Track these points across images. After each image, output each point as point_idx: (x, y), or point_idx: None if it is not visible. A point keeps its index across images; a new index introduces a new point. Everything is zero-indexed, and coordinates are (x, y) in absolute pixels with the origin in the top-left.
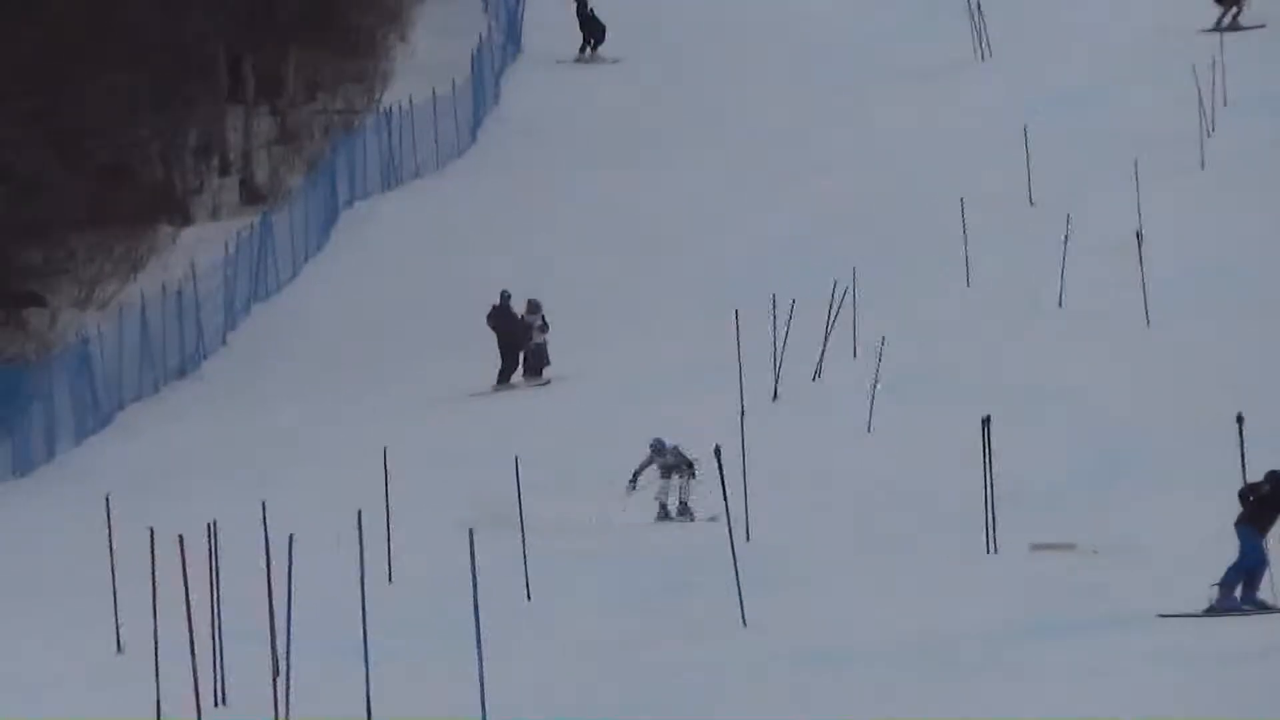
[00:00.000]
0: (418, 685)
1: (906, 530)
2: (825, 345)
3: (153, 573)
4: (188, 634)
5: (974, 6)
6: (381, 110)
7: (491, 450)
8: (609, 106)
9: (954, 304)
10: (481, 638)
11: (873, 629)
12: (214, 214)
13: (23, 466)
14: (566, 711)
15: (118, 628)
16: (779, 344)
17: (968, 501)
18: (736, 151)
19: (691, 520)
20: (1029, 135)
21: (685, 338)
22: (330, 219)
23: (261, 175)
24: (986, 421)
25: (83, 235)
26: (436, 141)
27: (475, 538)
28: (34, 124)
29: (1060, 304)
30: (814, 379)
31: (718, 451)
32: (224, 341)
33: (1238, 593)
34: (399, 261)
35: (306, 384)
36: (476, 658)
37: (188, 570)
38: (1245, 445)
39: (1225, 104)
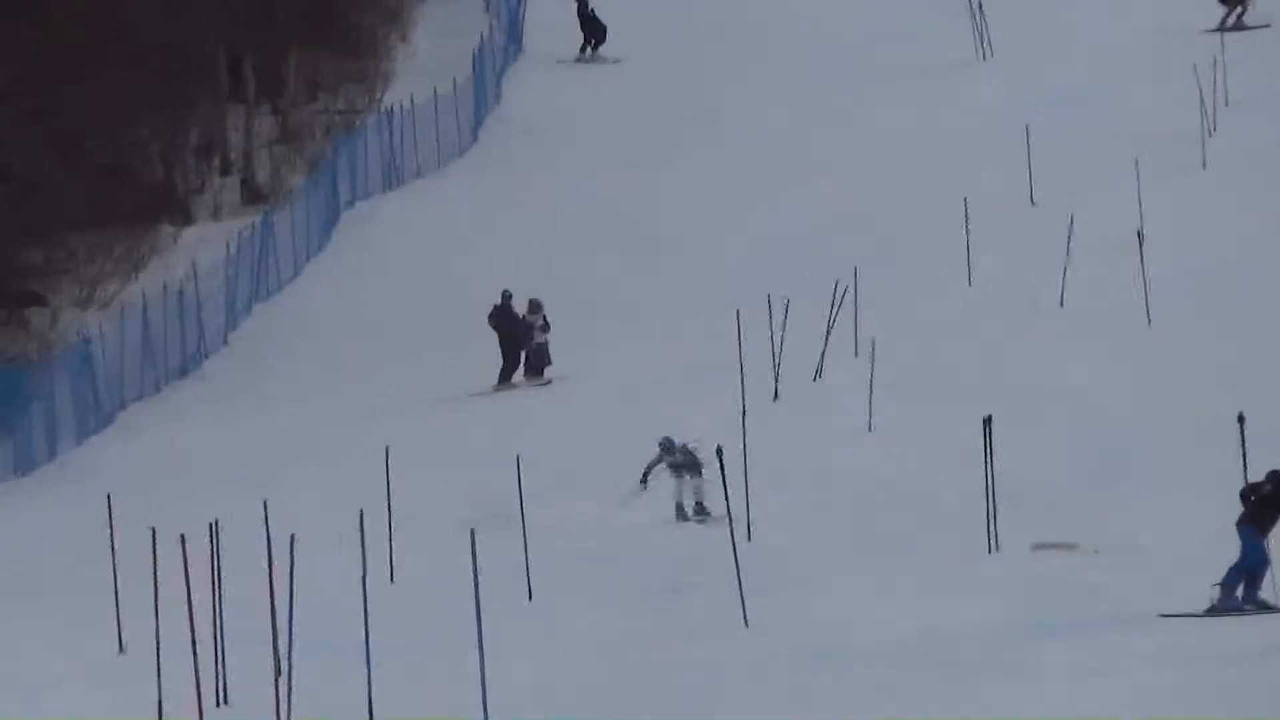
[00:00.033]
0: (419, 685)
1: (907, 530)
2: (826, 345)
3: (154, 572)
4: (189, 634)
5: (975, 6)
6: (383, 110)
7: (492, 450)
8: (609, 106)
9: (955, 304)
10: (482, 638)
11: (873, 629)
12: (215, 214)
13: (24, 466)
14: (567, 711)
15: (119, 628)
16: (779, 344)
17: (968, 501)
18: (736, 151)
19: (711, 518)
20: (1030, 135)
21: (686, 338)
22: (331, 219)
23: (263, 175)
24: (987, 421)
25: (84, 235)
26: (437, 141)
27: (476, 538)
28: (34, 124)
29: (1061, 304)
30: (814, 379)
31: (719, 452)
32: (225, 341)
33: (1239, 592)
34: (400, 261)
35: (308, 384)
36: (477, 658)
37: (189, 570)
38: (1246, 445)
39: (1227, 104)
